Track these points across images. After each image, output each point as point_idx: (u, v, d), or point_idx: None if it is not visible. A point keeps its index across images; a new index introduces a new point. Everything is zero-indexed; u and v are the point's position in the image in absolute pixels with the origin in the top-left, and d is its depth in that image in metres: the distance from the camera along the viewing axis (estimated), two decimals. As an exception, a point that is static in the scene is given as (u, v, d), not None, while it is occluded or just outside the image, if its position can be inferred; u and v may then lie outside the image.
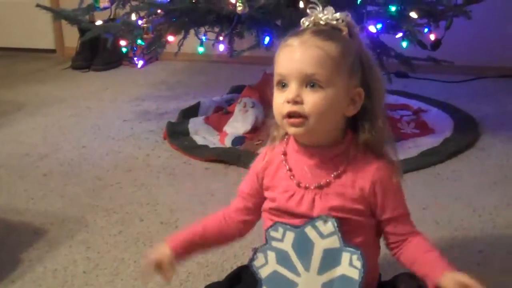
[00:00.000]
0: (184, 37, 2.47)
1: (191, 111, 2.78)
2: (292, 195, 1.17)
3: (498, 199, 1.92)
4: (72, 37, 3.87)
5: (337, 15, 1.17)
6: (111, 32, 2.53)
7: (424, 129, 2.48)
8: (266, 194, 1.23)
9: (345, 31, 1.16)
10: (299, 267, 1.15)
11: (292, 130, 1.14)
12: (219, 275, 1.51)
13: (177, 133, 2.52)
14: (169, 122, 2.63)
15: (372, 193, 1.15)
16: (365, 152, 1.17)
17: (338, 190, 1.15)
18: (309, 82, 1.11)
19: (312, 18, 1.17)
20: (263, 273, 1.18)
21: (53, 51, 4.19)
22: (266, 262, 1.18)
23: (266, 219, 1.22)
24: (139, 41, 2.46)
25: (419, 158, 2.21)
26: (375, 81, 1.17)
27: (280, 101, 1.13)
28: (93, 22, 2.80)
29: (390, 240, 1.20)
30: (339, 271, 1.13)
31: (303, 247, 1.15)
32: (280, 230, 1.16)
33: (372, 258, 1.24)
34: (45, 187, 2.12)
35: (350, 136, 1.18)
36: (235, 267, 1.41)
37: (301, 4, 2.09)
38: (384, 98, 1.19)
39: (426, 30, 2.40)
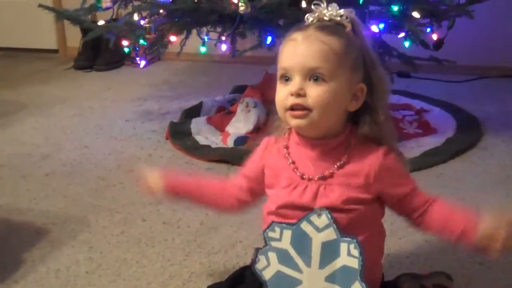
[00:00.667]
0: (186, 37, 2.47)
1: (194, 111, 2.78)
2: (295, 187, 1.18)
3: (501, 199, 1.91)
4: (74, 37, 3.88)
5: (341, 11, 1.19)
6: (113, 32, 2.53)
7: (427, 129, 2.48)
8: (269, 192, 1.24)
9: (348, 27, 1.18)
10: (301, 263, 1.16)
11: (294, 122, 1.15)
12: (222, 275, 1.51)
13: (179, 133, 2.52)
14: (172, 122, 2.63)
15: (379, 178, 1.16)
16: (365, 142, 1.18)
17: (342, 180, 1.16)
18: (313, 75, 1.13)
19: (317, 14, 1.19)
20: (267, 274, 1.19)
21: (55, 51, 4.20)
22: (268, 264, 1.19)
23: (268, 222, 1.22)
24: (141, 41, 2.45)
25: (421, 158, 2.21)
26: (377, 78, 1.18)
27: (283, 94, 1.15)
28: (95, 22, 2.80)
29: (412, 216, 1.21)
30: (339, 262, 1.14)
31: (302, 243, 1.16)
32: (277, 229, 1.17)
33: (376, 258, 1.24)
34: (48, 187, 2.12)
35: (350, 128, 1.19)
36: (237, 268, 1.41)
37: (304, 4, 2.09)
38: (387, 95, 1.21)
39: (428, 29, 2.40)
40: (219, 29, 2.41)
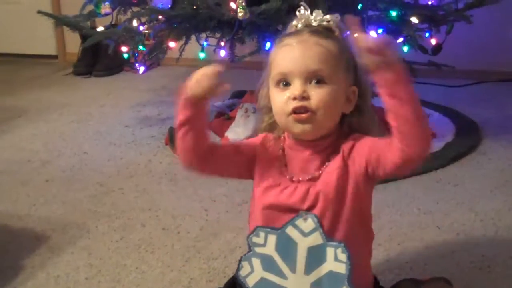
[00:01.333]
0: (186, 43, 2.48)
1: (193, 117, 2.78)
2: (285, 188, 1.17)
3: (500, 204, 1.92)
4: (73, 43, 3.89)
5: (328, 17, 1.20)
6: (113, 38, 2.54)
7: (426, 134, 2.48)
8: (256, 190, 1.21)
9: (337, 32, 1.19)
10: (285, 270, 1.14)
11: (299, 127, 1.14)
12: (221, 281, 1.51)
13: (178, 139, 2.52)
14: (171, 127, 2.63)
15: (352, 152, 1.15)
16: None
17: (328, 177, 1.15)
18: (314, 78, 1.13)
19: (303, 20, 1.20)
20: (250, 282, 1.17)
21: (54, 57, 4.21)
22: (252, 270, 1.17)
23: (253, 226, 1.21)
24: (140, 47, 2.46)
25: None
26: (364, 80, 1.19)
27: (283, 100, 1.14)
28: (94, 28, 2.80)
29: (392, 149, 1.11)
30: (325, 268, 1.12)
31: (287, 248, 1.14)
32: (262, 234, 1.16)
33: (364, 260, 1.22)
34: (47, 193, 2.12)
35: (338, 128, 1.19)
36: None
37: (302, 10, 2.09)
38: (371, 97, 1.21)
39: (427, 35, 2.41)
40: (218, 35, 2.42)
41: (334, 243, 1.12)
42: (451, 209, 1.89)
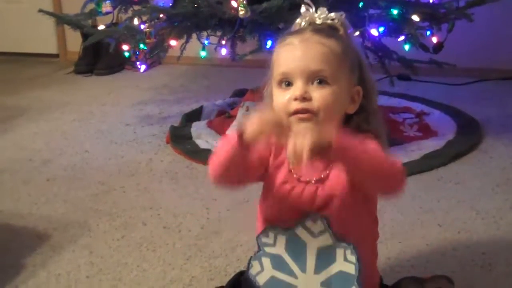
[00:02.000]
0: (187, 41, 2.48)
1: (194, 115, 2.79)
2: (293, 188, 1.17)
3: (501, 202, 1.91)
4: (75, 42, 3.89)
5: (332, 15, 1.18)
6: (114, 36, 2.54)
7: (427, 132, 2.48)
8: (268, 180, 1.20)
9: (341, 30, 1.17)
10: (296, 269, 1.15)
11: (301, 126, 1.12)
12: (222, 279, 1.51)
13: (180, 137, 2.52)
14: (172, 126, 2.64)
15: None
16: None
17: (336, 179, 1.15)
18: (316, 78, 1.11)
19: (307, 18, 1.18)
20: (261, 280, 1.17)
21: (56, 55, 4.21)
22: (262, 269, 1.17)
23: (262, 225, 1.21)
24: (141, 46, 2.46)
25: (421, 161, 2.21)
26: (369, 79, 1.18)
27: (284, 100, 1.13)
28: (95, 26, 2.80)
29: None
30: (335, 268, 1.13)
31: (296, 248, 1.14)
32: (271, 234, 1.16)
33: (371, 261, 1.23)
34: (49, 192, 2.13)
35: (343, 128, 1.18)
36: (238, 271, 1.41)
37: (303, 8, 2.09)
38: (377, 96, 1.20)
39: (428, 33, 2.40)
40: (219, 33, 2.42)
41: (344, 244, 1.12)
42: (452, 207, 1.89)
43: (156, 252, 1.70)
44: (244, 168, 1.16)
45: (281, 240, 1.15)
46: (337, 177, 1.14)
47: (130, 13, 2.46)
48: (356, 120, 1.18)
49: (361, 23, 2.16)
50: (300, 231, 1.14)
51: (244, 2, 2.08)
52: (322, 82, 1.12)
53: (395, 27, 2.27)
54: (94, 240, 1.79)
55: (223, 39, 2.40)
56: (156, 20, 2.38)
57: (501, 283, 1.50)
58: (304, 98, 1.11)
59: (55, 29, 3.96)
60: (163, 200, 2.02)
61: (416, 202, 1.93)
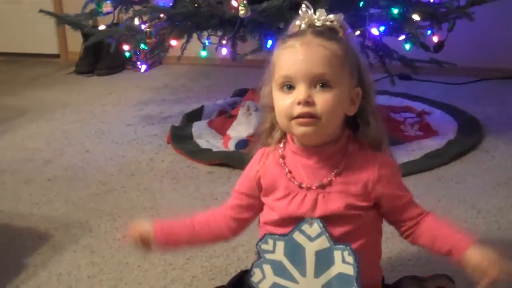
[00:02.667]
0: (187, 41, 2.48)
1: (195, 115, 2.79)
2: (294, 197, 1.17)
3: (502, 201, 1.91)
4: (75, 42, 3.89)
5: (331, 16, 1.17)
6: (114, 36, 2.54)
7: (428, 131, 2.48)
8: (265, 200, 1.22)
9: (341, 32, 1.17)
10: (296, 274, 1.15)
11: (301, 130, 1.12)
12: (223, 279, 1.51)
13: (180, 137, 2.52)
14: (173, 126, 2.64)
15: (377, 188, 1.16)
16: (361, 148, 1.18)
17: (340, 188, 1.15)
18: (318, 82, 1.11)
19: (306, 20, 1.17)
20: (263, 287, 1.18)
21: (56, 56, 4.21)
22: (264, 276, 1.17)
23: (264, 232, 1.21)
24: (142, 46, 2.46)
25: (422, 160, 2.21)
26: (367, 80, 1.18)
27: (286, 103, 1.12)
28: (96, 27, 2.80)
29: (404, 227, 1.21)
30: (334, 270, 1.13)
31: (295, 253, 1.15)
32: (270, 241, 1.16)
33: (374, 260, 1.24)
34: (50, 192, 2.13)
35: (347, 133, 1.18)
36: (239, 271, 1.41)
37: (303, 8, 2.09)
38: (375, 96, 1.20)
39: (429, 32, 2.40)
40: (219, 33, 2.42)
41: (341, 246, 1.12)
42: (453, 207, 1.89)
43: (156, 252, 1.70)
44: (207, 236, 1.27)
45: (280, 246, 1.15)
46: (344, 186, 1.15)
47: (130, 13, 2.46)
48: (363, 131, 1.18)
49: (361, 23, 2.16)
50: (297, 236, 1.14)
51: (245, 1, 2.08)
52: (324, 85, 1.11)
53: (396, 26, 2.26)
54: (95, 240, 1.79)
55: (224, 39, 2.40)
56: (156, 20, 2.38)
57: (501, 282, 1.50)
58: (308, 102, 1.10)
59: (56, 29, 3.96)
60: (164, 200, 2.03)
61: (417, 201, 1.91)
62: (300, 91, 1.11)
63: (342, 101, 1.13)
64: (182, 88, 3.39)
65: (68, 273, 1.63)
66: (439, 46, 2.46)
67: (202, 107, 2.87)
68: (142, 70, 2.77)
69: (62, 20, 2.71)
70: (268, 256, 1.17)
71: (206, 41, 2.53)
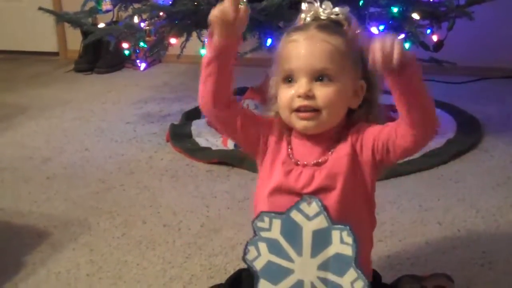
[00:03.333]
0: (187, 40, 2.48)
1: (194, 113, 2.78)
2: (290, 171, 1.18)
3: (501, 200, 1.91)
4: (75, 40, 3.89)
5: (337, 9, 1.18)
6: (114, 34, 2.54)
7: (427, 131, 2.48)
8: (265, 161, 1.22)
9: (345, 25, 1.18)
10: (292, 253, 1.14)
11: (302, 123, 1.15)
12: (222, 277, 1.51)
13: (180, 136, 2.52)
14: (172, 124, 2.64)
15: (360, 146, 1.16)
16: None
17: (337, 163, 1.16)
18: (319, 76, 1.13)
19: (312, 12, 1.18)
20: (258, 265, 1.17)
21: (56, 54, 4.21)
22: (259, 254, 1.16)
23: (258, 211, 1.20)
24: (141, 44, 2.46)
25: (422, 159, 2.21)
26: (373, 74, 1.18)
27: (288, 96, 1.15)
28: (95, 25, 2.80)
29: (395, 135, 1.13)
30: (332, 250, 1.12)
31: (292, 232, 1.14)
32: (266, 219, 1.15)
33: (366, 249, 1.22)
34: (49, 190, 2.13)
35: (345, 119, 1.20)
36: (238, 269, 1.41)
37: (303, 6, 2.09)
38: (381, 90, 1.21)
39: (428, 31, 2.40)
40: (219, 32, 2.41)
41: (340, 226, 1.11)
42: (452, 206, 1.89)
43: (156, 250, 1.70)
44: (229, 78, 1.18)
45: (276, 224, 1.14)
46: (337, 159, 1.16)
47: (130, 11, 2.46)
48: (358, 113, 1.19)
49: (361, 21, 2.16)
50: (295, 214, 1.13)
51: (244, 0, 2.08)
52: (325, 79, 1.13)
53: (395, 25, 2.26)
54: (94, 238, 1.79)
55: (223, 37, 2.39)
56: (156, 18, 2.38)
57: (501, 281, 1.50)
58: (308, 96, 1.13)
59: (55, 27, 3.96)
60: (163, 198, 2.03)
61: (416, 201, 1.93)
62: (301, 85, 1.13)
63: (344, 95, 1.15)
64: (181, 87, 3.38)
65: (67, 271, 1.63)
66: (438, 45, 2.46)
67: (201, 106, 2.87)
68: (142, 68, 2.77)
69: (61, 18, 2.71)
70: (263, 234, 1.16)
71: (206, 40, 2.52)
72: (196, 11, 2.24)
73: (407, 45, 2.34)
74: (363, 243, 1.14)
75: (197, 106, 3.02)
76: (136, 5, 2.44)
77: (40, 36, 4.14)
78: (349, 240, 1.11)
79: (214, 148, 2.38)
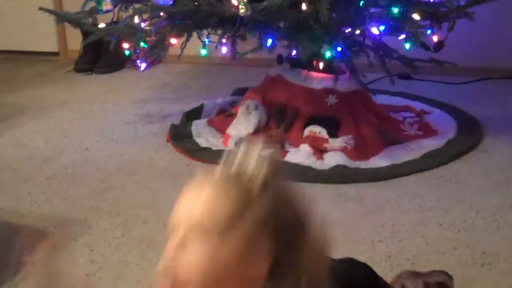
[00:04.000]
0: (187, 40, 2.48)
1: (194, 114, 2.78)
2: None
3: (501, 201, 1.91)
4: (75, 40, 3.88)
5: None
6: (114, 35, 2.54)
7: (427, 131, 2.48)
8: None
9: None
10: None
11: None
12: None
13: (180, 136, 2.52)
14: (172, 124, 2.64)
15: None
16: None
17: None
18: None
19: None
20: None
21: (56, 54, 4.20)
22: None
23: None
24: (142, 44, 2.46)
25: (422, 159, 2.21)
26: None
27: None
28: (96, 25, 2.80)
29: None
30: None
31: None
32: None
33: None
34: (49, 190, 2.13)
35: None
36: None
37: (304, 6, 2.09)
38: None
39: (429, 31, 2.40)
40: (219, 32, 2.42)
41: None
42: (452, 206, 1.89)
43: (156, 250, 1.70)
44: None
45: None
46: None
47: (130, 11, 2.46)
48: None
49: (361, 22, 2.16)
50: None
51: (245, 0, 2.08)
52: None
53: (396, 25, 2.26)
54: (94, 238, 1.79)
55: (224, 38, 2.40)
56: (156, 18, 2.38)
57: (501, 281, 1.50)
58: None
59: (56, 27, 3.96)
60: (163, 198, 2.02)
61: (417, 201, 1.93)
62: None
63: None
64: (181, 87, 3.38)
65: (67, 271, 1.62)
66: (439, 45, 2.45)
67: (201, 106, 2.87)
68: (142, 68, 2.77)
69: (61, 18, 2.71)
70: None
71: (206, 40, 2.52)
72: (197, 11, 2.24)
73: (407, 46, 2.35)
74: None
75: (197, 106, 3.05)
76: (137, 5, 2.44)
77: (40, 36, 4.13)
78: None
79: (214, 148, 2.38)
